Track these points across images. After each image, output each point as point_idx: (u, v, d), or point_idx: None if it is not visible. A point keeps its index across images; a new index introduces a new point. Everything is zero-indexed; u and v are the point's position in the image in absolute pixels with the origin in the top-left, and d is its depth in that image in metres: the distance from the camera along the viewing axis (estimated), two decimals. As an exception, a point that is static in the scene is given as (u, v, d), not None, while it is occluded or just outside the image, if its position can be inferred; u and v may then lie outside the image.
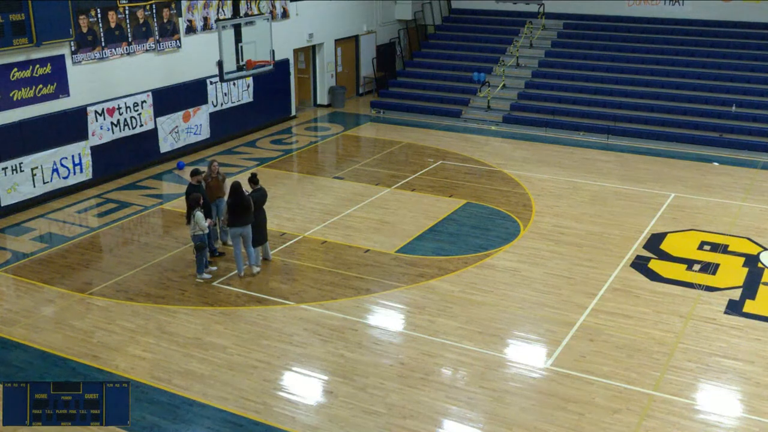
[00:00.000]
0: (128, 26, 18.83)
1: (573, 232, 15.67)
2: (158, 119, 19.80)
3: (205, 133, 21.38)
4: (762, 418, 9.89)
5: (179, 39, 20.27)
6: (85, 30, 17.79)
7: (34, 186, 17.09)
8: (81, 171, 18.11)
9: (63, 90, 17.52)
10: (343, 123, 24.69)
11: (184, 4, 20.24)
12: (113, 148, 18.75)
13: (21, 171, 16.75)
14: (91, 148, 18.25)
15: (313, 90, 26.53)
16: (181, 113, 20.49)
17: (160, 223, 16.65)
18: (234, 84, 21.82)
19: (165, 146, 20.14)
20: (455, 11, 29.94)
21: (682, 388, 10.49)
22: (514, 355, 11.39)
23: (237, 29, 15.97)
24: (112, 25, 18.43)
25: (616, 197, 17.72)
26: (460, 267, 14.16)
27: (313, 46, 25.74)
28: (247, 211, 13.31)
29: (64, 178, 17.73)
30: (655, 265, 14.22)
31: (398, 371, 10.85)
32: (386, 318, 12.50)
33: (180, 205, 16.73)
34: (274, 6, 23.14)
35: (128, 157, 19.21)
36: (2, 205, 16.52)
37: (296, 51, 24.86)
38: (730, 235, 15.50)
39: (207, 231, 13.43)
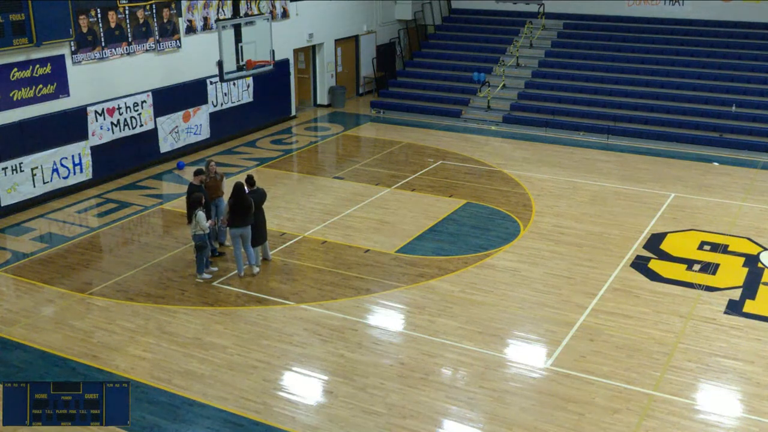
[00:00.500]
0: (128, 26, 18.83)
1: (573, 232, 15.68)
2: (158, 119, 19.80)
3: (205, 133, 21.39)
4: (762, 418, 9.89)
5: (179, 39, 20.27)
6: (85, 30, 17.79)
7: (34, 186, 17.09)
8: (81, 171, 18.11)
9: (63, 90, 17.52)
10: (343, 123, 24.70)
11: (184, 4, 20.24)
12: (113, 148, 18.75)
13: (21, 171, 16.75)
14: (91, 148, 18.25)
15: (313, 90, 26.54)
16: (181, 113, 20.49)
17: (160, 223, 16.65)
18: (234, 84, 21.82)
19: (165, 146, 20.14)
20: (455, 11, 29.95)
21: (682, 388, 10.49)
22: (514, 355, 11.39)
23: (237, 29, 15.97)
24: (112, 25, 18.43)
25: (616, 197, 17.73)
26: (460, 267, 14.16)
27: (313, 46, 25.74)
28: (248, 211, 13.32)
29: (64, 178, 17.73)
30: (655, 265, 14.23)
31: (398, 371, 10.86)
32: (386, 318, 12.50)
33: (180, 205, 16.72)
34: (274, 6, 23.14)
35: (128, 157, 19.21)
36: (2, 205, 16.53)
37: (296, 51, 24.86)
38: (730, 235, 15.50)
39: (208, 231, 13.44)
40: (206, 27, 20.87)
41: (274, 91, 23.62)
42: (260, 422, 9.78)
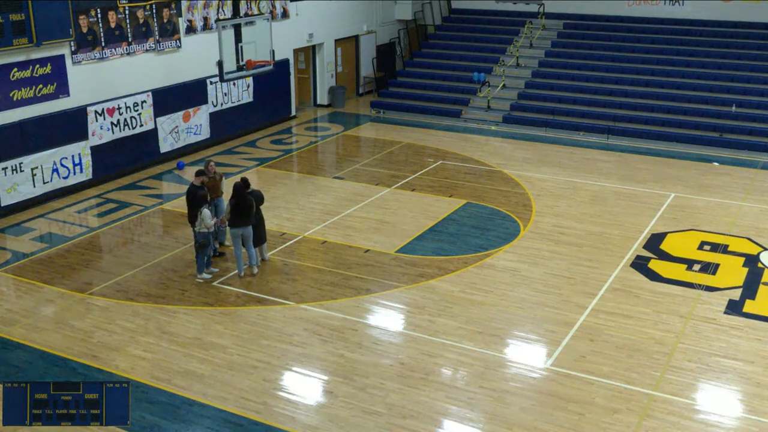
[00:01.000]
0: (128, 26, 18.83)
1: (573, 232, 15.68)
2: (158, 119, 19.80)
3: (205, 133, 21.39)
4: (762, 418, 9.89)
5: (179, 39, 20.27)
6: (85, 30, 17.79)
7: (34, 186, 17.09)
8: (81, 171, 18.11)
9: (63, 90, 17.52)
10: (343, 123, 24.69)
11: (184, 4, 20.24)
12: (113, 148, 18.75)
13: (21, 171, 16.75)
14: (91, 148, 18.25)
15: (313, 90, 26.54)
16: (181, 113, 20.49)
17: (160, 223, 16.65)
18: (234, 84, 21.82)
19: (165, 146, 20.14)
20: (455, 11, 29.94)
21: (682, 388, 10.49)
22: (514, 355, 11.39)
23: (237, 29, 15.96)
24: (112, 25, 18.43)
25: (616, 197, 17.73)
26: (460, 267, 14.16)
27: (313, 46, 25.74)
28: (249, 211, 13.33)
29: (64, 178, 17.73)
30: (655, 265, 14.23)
31: (398, 371, 10.85)
32: (386, 318, 12.50)
33: (180, 205, 16.73)
34: (274, 6, 23.14)
35: (128, 157, 19.21)
36: (2, 205, 16.53)
37: (296, 51, 24.86)
38: (730, 235, 15.50)
39: (212, 229, 13.44)
40: (206, 27, 20.87)
41: (274, 91, 23.62)
42: (260, 422, 9.78)
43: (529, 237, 15.48)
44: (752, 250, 14.86)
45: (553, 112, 23.83)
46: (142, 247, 15.21)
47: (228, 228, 14.04)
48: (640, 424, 9.72)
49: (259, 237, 13.85)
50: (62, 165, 17.61)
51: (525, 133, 23.24)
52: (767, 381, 10.65)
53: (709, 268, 14.06)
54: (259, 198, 13.92)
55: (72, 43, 17.51)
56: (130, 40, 18.93)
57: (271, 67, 16.81)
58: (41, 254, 14.91)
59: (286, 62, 23.87)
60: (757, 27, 25.15)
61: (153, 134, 19.76)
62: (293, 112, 24.97)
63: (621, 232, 15.63)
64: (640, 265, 14.21)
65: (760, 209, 17.00)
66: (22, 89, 16.67)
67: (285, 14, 23.67)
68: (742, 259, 14.43)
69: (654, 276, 13.78)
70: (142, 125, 19.37)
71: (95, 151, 18.34)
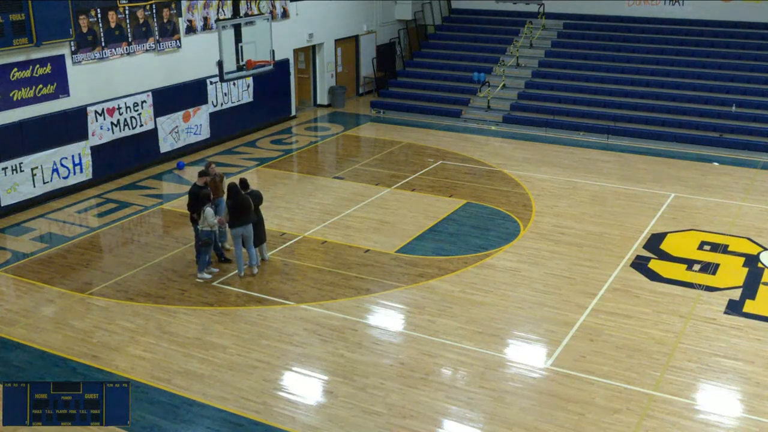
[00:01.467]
0: (128, 26, 18.83)
1: (573, 232, 15.68)
2: (158, 119, 19.80)
3: (205, 133, 21.38)
4: (762, 418, 9.89)
5: (179, 39, 20.27)
6: (85, 30, 17.78)
7: (34, 186, 17.09)
8: (81, 171, 18.11)
9: (63, 90, 17.52)
10: (343, 123, 24.69)
11: (184, 4, 20.24)
12: (113, 148, 18.75)
13: (21, 171, 16.75)
14: (91, 148, 18.25)
15: (313, 90, 26.53)
16: (181, 113, 20.49)
17: (160, 223, 16.65)
18: (234, 84, 21.82)
19: (165, 146, 20.14)
20: (455, 11, 29.94)
21: (682, 388, 10.49)
22: (514, 355, 11.39)
23: (237, 29, 15.96)
24: (112, 25, 18.43)
25: (616, 197, 17.73)
26: (460, 267, 14.16)
27: (313, 46, 25.74)
28: (247, 210, 13.32)
29: (64, 178, 17.73)
30: (655, 265, 14.23)
31: (398, 371, 10.86)
32: (386, 318, 12.50)
33: (180, 205, 16.75)
34: (274, 6, 23.14)
35: (128, 157, 19.21)
36: (2, 205, 16.53)
37: (296, 51, 24.86)
38: (730, 235, 15.50)
39: (215, 228, 13.44)
40: (206, 27, 20.87)
41: (274, 91, 23.62)
42: (260, 422, 9.78)
43: (529, 237, 15.48)
44: (752, 250, 14.86)
45: (553, 112, 23.83)
46: (142, 247, 15.21)
47: (228, 229, 14.03)
48: (640, 424, 9.73)
49: (259, 237, 13.85)
50: (62, 165, 17.61)
51: (525, 133, 23.24)
52: (767, 381, 10.65)
53: (709, 268, 14.06)
54: (258, 198, 13.92)
55: (72, 43, 17.51)
56: (130, 40, 18.93)
57: (271, 67, 16.82)
58: (41, 254, 14.91)
59: (286, 62, 23.87)
60: (757, 27, 25.16)
61: (153, 134, 19.76)
62: (293, 112, 24.97)
63: (621, 232, 15.63)
64: (640, 265, 14.21)
65: (760, 209, 17.00)
66: (22, 89, 16.67)
67: (285, 14, 23.67)
68: (742, 259, 14.43)
69: (654, 276, 13.78)
70: (142, 125, 19.37)
71: (95, 151, 18.34)
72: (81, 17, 17.64)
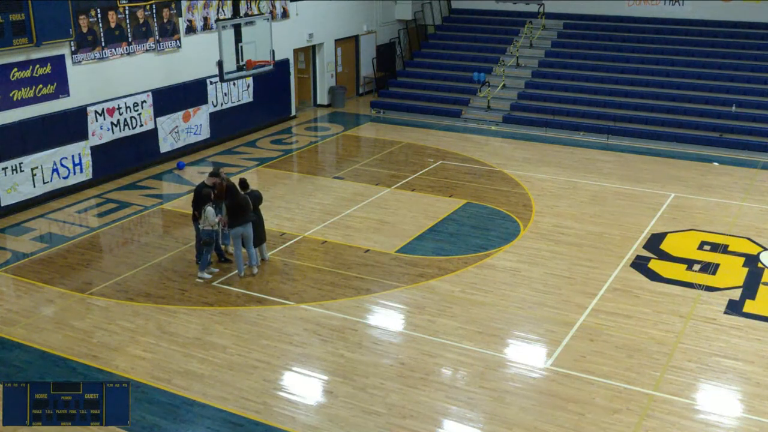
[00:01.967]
0: (128, 26, 18.83)
1: (573, 232, 15.68)
2: (158, 119, 19.80)
3: (205, 133, 21.38)
4: (762, 418, 9.89)
5: (179, 39, 20.27)
6: (85, 30, 17.78)
7: (34, 186, 17.09)
8: (81, 171, 18.11)
9: (63, 90, 17.52)
10: (343, 123, 24.70)
11: (184, 4, 20.24)
12: (113, 148, 18.75)
13: (21, 171, 16.75)
14: (91, 148, 18.25)
15: (313, 90, 26.54)
16: (181, 113, 20.49)
17: (160, 223, 16.65)
18: (234, 84, 21.82)
19: (165, 146, 20.14)
20: (455, 11, 29.94)
21: (682, 388, 10.49)
22: (514, 355, 11.39)
23: (237, 29, 15.97)
24: (112, 25, 18.43)
25: (616, 197, 17.73)
26: (460, 267, 14.16)
27: (313, 46, 25.74)
28: (245, 209, 13.32)
29: (64, 178, 17.73)
30: (655, 265, 14.23)
31: (398, 371, 10.86)
32: (386, 318, 12.50)
33: (180, 204, 16.76)
34: (274, 6, 23.14)
35: (128, 157, 19.21)
36: (2, 205, 16.52)
37: (296, 51, 24.86)
38: (730, 235, 15.50)
39: (216, 228, 13.44)
40: (206, 27, 20.87)
41: (274, 91, 23.62)
42: (260, 422, 9.78)
43: (529, 237, 15.48)
44: (752, 250, 14.86)
45: (553, 112, 23.83)
46: (142, 247, 15.21)
47: (228, 229, 14.02)
48: (640, 424, 9.73)
49: (259, 237, 13.85)
50: (62, 165, 17.61)
51: (525, 133, 23.24)
52: (767, 381, 10.65)
53: (709, 268, 14.06)
54: (257, 198, 13.92)
55: (72, 43, 17.51)
56: (130, 40, 18.93)
57: (271, 67, 16.82)
58: (41, 254, 14.91)
59: (286, 62, 23.87)
60: (757, 27, 25.15)
61: (153, 134, 19.76)
62: (293, 112, 24.97)
63: (621, 232, 15.63)
64: (640, 265, 14.21)
65: (760, 209, 17.00)
66: (22, 89, 16.67)
67: (285, 14, 23.67)
68: (742, 259, 14.43)
69: (654, 276, 13.78)
70: (142, 125, 19.37)
71: (95, 151, 18.34)
72: (81, 17, 17.64)
